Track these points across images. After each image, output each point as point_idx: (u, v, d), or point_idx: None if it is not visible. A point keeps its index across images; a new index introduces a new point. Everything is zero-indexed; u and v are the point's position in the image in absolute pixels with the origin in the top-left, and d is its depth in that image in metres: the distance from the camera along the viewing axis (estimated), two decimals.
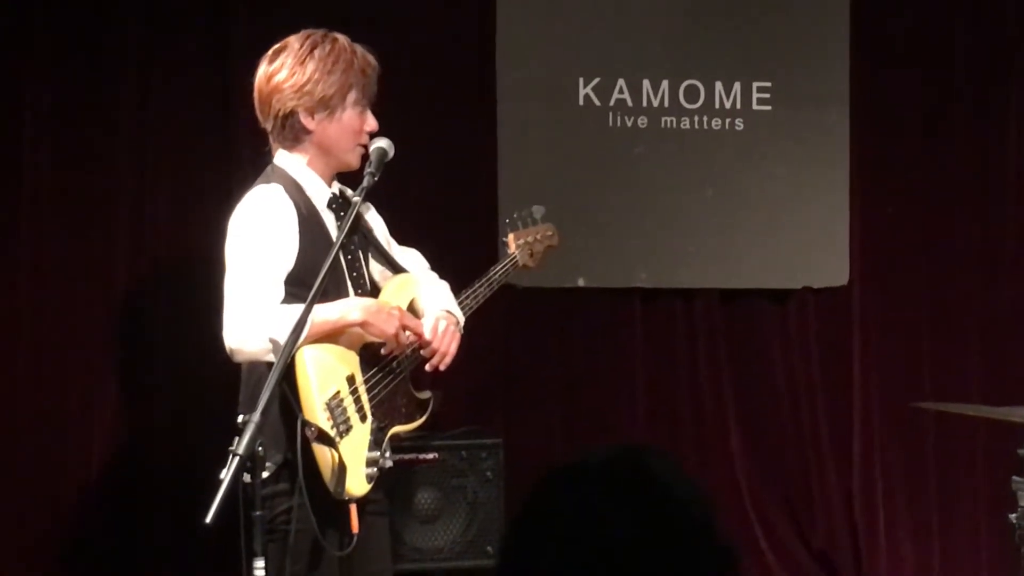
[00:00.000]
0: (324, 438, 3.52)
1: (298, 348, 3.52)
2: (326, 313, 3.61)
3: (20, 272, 5.34)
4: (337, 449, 3.55)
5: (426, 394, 3.90)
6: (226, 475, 3.21)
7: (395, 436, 3.83)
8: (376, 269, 3.94)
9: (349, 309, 3.67)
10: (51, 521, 5.31)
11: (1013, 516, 4.07)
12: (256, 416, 3.24)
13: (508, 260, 4.21)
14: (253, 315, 3.57)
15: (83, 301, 5.37)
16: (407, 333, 3.77)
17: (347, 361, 3.69)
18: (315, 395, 3.56)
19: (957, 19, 6.03)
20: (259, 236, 3.65)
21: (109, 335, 5.41)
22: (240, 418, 3.29)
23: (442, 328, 3.83)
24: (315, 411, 3.55)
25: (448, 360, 3.85)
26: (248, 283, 3.60)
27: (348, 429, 3.63)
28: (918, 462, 6.00)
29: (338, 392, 3.63)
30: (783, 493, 5.95)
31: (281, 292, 3.62)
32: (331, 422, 3.58)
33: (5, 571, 5.22)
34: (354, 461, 3.63)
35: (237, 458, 3.22)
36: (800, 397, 5.95)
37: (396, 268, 3.96)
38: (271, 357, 3.49)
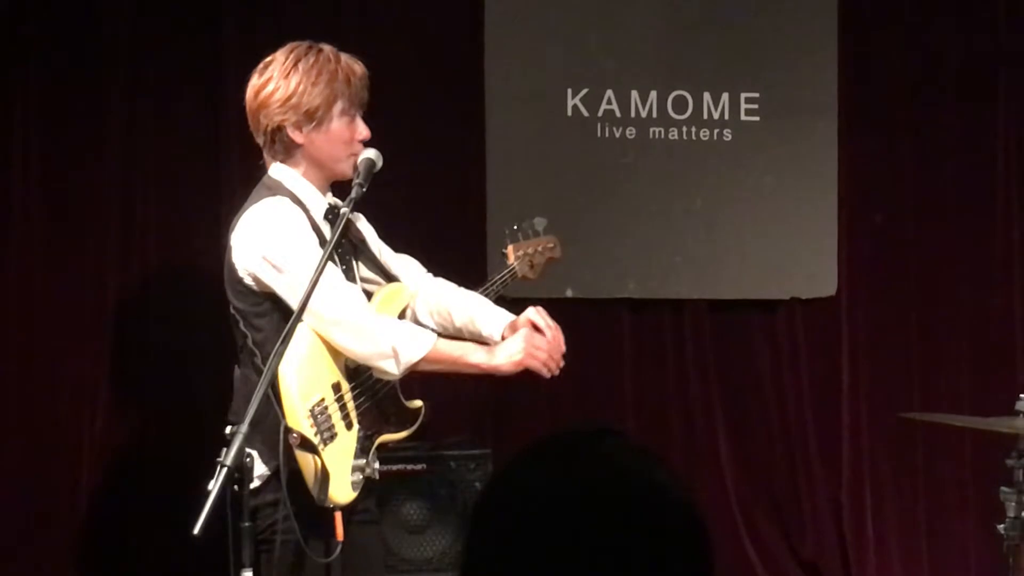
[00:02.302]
0: (307, 445, 3.52)
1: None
2: (455, 344, 3.77)
3: (10, 278, 5.33)
4: (320, 456, 3.54)
5: (416, 403, 3.90)
6: (214, 486, 3.21)
7: (383, 445, 3.83)
8: (368, 278, 3.95)
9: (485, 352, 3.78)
10: (40, 528, 5.30)
11: (1001, 526, 4.06)
12: (244, 427, 3.24)
13: (506, 271, 4.18)
14: (372, 322, 3.65)
15: (73, 307, 5.37)
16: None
17: (331, 369, 3.69)
18: (297, 402, 3.55)
19: (945, 29, 6.04)
20: (305, 239, 3.66)
21: (99, 341, 5.41)
22: (228, 428, 3.29)
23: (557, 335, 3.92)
24: (298, 418, 3.55)
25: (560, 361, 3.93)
26: (342, 289, 3.64)
27: (332, 436, 3.62)
28: (907, 472, 6.01)
29: (323, 399, 3.62)
30: (772, 503, 5.96)
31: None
32: (314, 429, 3.57)
33: None
34: (339, 468, 3.62)
35: (225, 469, 3.22)
36: (789, 407, 5.95)
37: (389, 277, 3.96)
38: (390, 365, 3.61)
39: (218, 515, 3.23)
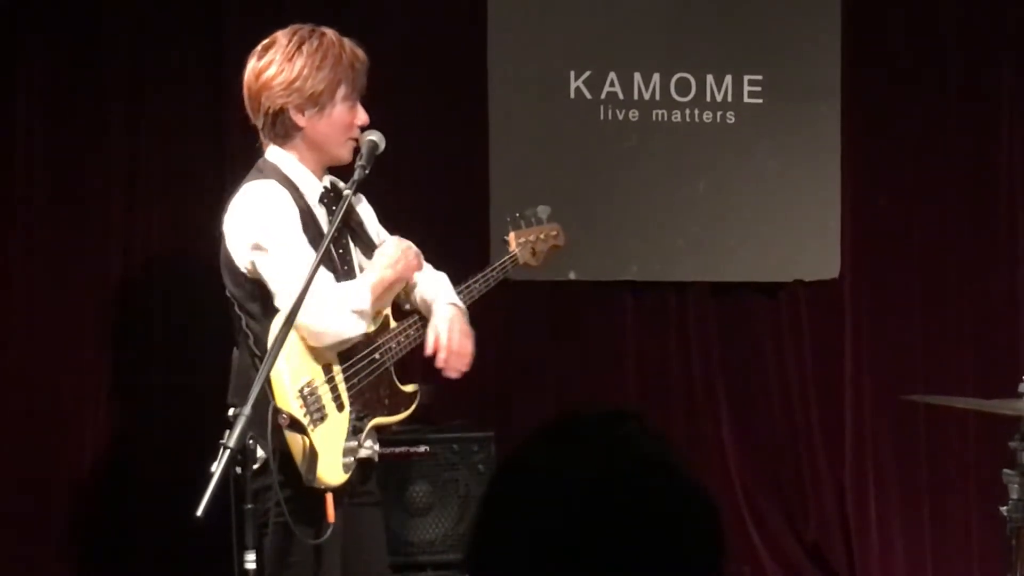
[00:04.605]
0: (296, 426, 3.53)
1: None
2: (373, 276, 3.76)
3: (13, 271, 5.34)
4: (309, 437, 3.55)
5: (412, 387, 3.90)
6: (217, 468, 3.22)
7: (381, 428, 3.85)
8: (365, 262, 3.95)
9: (383, 268, 3.77)
10: (44, 515, 5.31)
11: (1004, 508, 4.07)
12: (247, 409, 3.25)
13: (507, 257, 4.22)
14: (330, 295, 3.63)
15: (76, 299, 5.36)
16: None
17: (323, 350, 3.69)
18: (287, 382, 3.56)
19: (949, 11, 6.03)
20: (287, 222, 3.66)
21: (102, 332, 5.41)
22: (231, 411, 3.30)
23: (451, 329, 3.86)
24: (287, 398, 3.55)
25: (468, 361, 3.88)
26: (297, 268, 3.61)
27: (323, 418, 3.63)
28: (909, 454, 6.01)
29: (312, 380, 3.63)
30: (775, 486, 5.96)
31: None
32: (304, 409, 3.58)
33: None
34: (330, 450, 3.63)
35: (228, 451, 3.23)
36: (792, 390, 5.95)
37: None
38: (361, 329, 3.64)
39: (221, 498, 3.24)
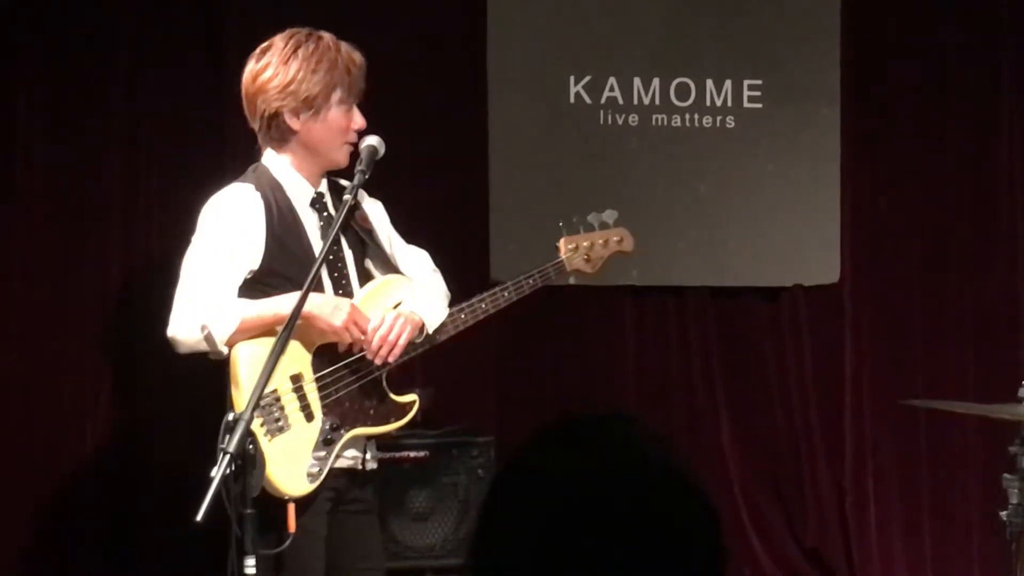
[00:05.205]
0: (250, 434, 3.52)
1: (234, 343, 3.61)
2: (260, 307, 3.63)
3: (13, 272, 5.33)
4: (259, 445, 3.52)
5: (409, 398, 3.86)
6: (217, 473, 3.21)
7: (377, 437, 3.83)
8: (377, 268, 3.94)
9: (287, 301, 3.60)
10: (44, 518, 5.31)
11: (1004, 513, 4.06)
12: (247, 414, 3.25)
13: (550, 264, 4.13)
14: (190, 306, 3.63)
15: (76, 299, 5.36)
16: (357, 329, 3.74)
17: (295, 359, 3.68)
18: (245, 392, 3.54)
19: (948, 14, 6.04)
20: (213, 236, 3.70)
21: (102, 332, 5.41)
22: (231, 416, 3.29)
23: (388, 320, 3.77)
24: (242, 407, 3.54)
25: (394, 352, 3.76)
26: (192, 280, 3.66)
27: (282, 428, 3.61)
28: (910, 459, 6.01)
29: (275, 390, 3.61)
30: (775, 490, 5.96)
31: (228, 289, 3.65)
32: (260, 419, 3.56)
33: None
34: (290, 460, 3.61)
35: (227, 456, 3.22)
36: (792, 395, 5.95)
37: (393, 271, 3.95)
38: (204, 346, 3.59)
39: (221, 502, 3.23)
